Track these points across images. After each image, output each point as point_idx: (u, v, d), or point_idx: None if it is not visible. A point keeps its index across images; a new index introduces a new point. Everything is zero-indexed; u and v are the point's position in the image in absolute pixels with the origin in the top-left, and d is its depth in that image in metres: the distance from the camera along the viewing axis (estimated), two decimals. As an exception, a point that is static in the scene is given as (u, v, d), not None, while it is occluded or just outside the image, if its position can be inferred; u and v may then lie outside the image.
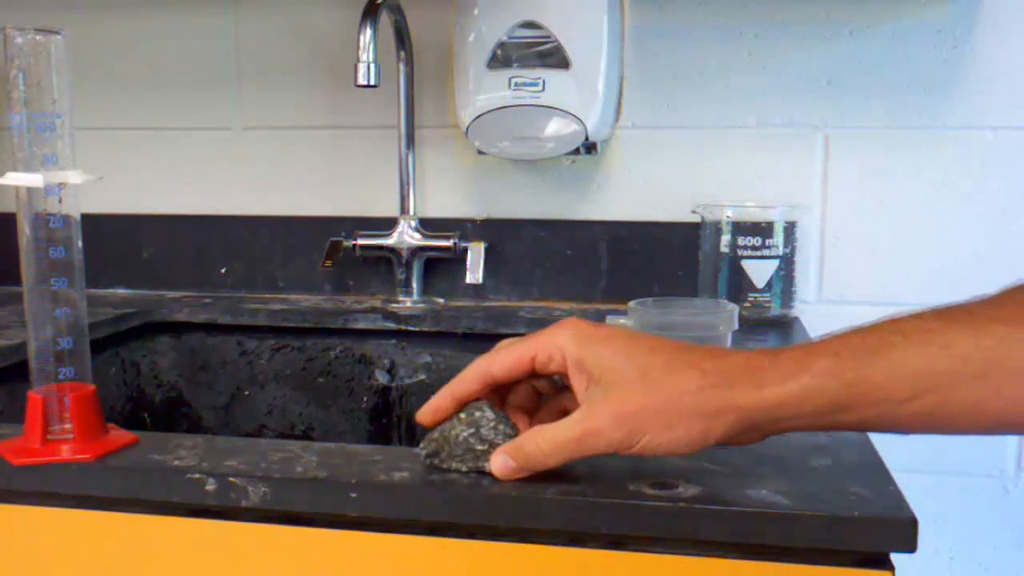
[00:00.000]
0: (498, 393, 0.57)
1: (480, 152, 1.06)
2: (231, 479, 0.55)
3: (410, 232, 1.08)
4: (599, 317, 0.98)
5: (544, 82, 1.01)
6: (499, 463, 0.53)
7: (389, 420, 1.06)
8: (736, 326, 0.65)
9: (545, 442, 0.51)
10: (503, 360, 0.54)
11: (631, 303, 0.66)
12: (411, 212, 1.09)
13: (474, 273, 1.05)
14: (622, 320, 0.65)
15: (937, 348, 0.47)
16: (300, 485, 0.55)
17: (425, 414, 0.56)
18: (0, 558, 0.60)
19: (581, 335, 0.52)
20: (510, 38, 1.01)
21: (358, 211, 1.14)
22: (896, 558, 0.51)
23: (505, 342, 0.56)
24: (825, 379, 0.47)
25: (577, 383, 0.52)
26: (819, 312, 1.05)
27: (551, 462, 0.52)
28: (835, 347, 0.49)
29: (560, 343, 0.52)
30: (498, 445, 0.55)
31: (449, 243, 1.08)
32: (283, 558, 0.56)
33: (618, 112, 1.07)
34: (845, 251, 1.05)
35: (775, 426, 0.50)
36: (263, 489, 0.55)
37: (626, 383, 0.50)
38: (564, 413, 0.54)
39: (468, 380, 0.55)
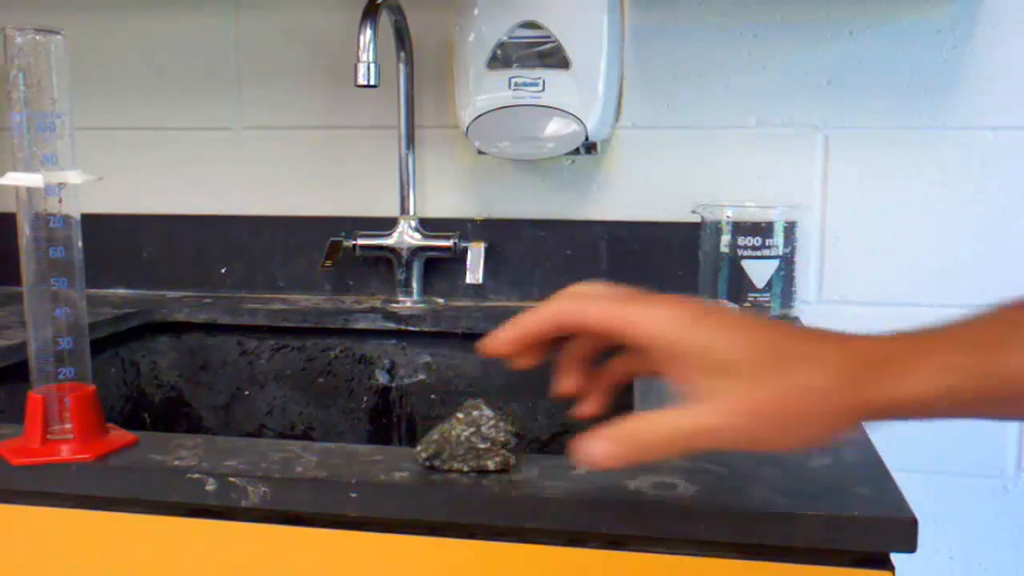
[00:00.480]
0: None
1: (480, 152, 1.06)
2: (231, 479, 0.55)
3: (410, 232, 1.08)
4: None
5: (544, 82, 1.01)
6: (599, 450, 0.46)
7: (389, 420, 1.06)
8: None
9: (653, 433, 0.47)
10: (587, 313, 0.49)
11: None
12: (411, 212, 1.09)
13: (474, 273, 1.05)
14: None
15: None
16: (300, 485, 0.55)
17: (488, 343, 0.51)
18: (0, 558, 0.60)
19: (684, 318, 0.47)
20: (510, 38, 1.01)
21: (358, 211, 1.14)
22: (896, 558, 0.51)
23: (583, 288, 0.51)
24: (963, 375, 0.44)
25: (678, 370, 0.47)
26: (819, 312, 1.05)
27: (656, 454, 0.47)
28: (962, 338, 0.46)
29: (657, 324, 0.47)
30: (500, 442, 0.55)
31: (449, 243, 1.08)
32: (283, 558, 0.56)
33: (618, 112, 1.07)
34: (845, 251, 1.05)
35: (902, 417, 0.46)
36: (263, 489, 0.55)
37: (743, 378, 0.45)
38: (629, 377, 0.52)
39: (542, 320, 0.50)
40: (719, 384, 0.46)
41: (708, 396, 0.46)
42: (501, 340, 0.51)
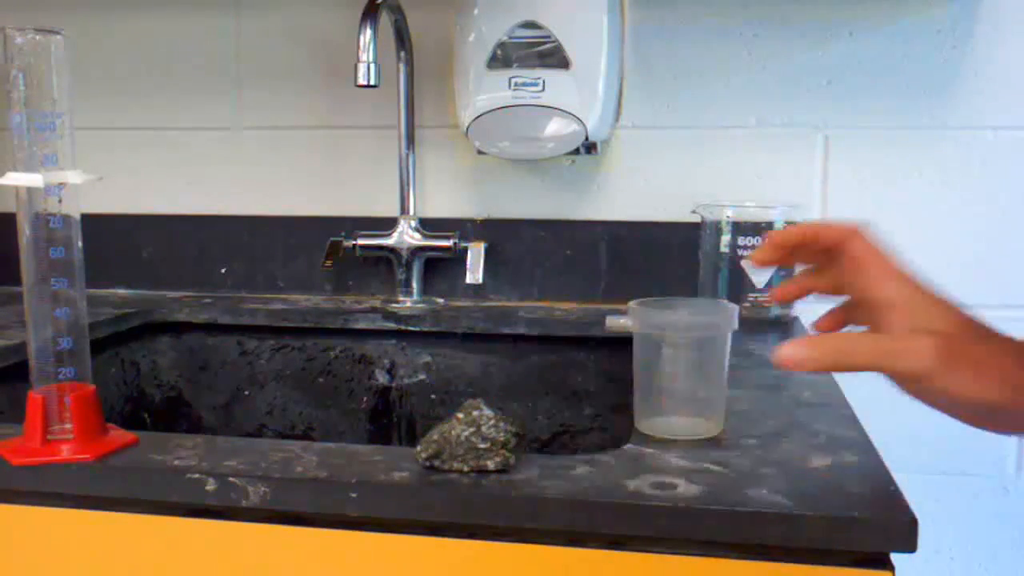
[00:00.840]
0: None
1: (480, 152, 1.06)
2: (231, 479, 0.55)
3: (410, 232, 1.08)
4: (599, 317, 0.98)
5: (544, 82, 1.01)
6: (800, 352, 0.52)
7: (389, 420, 1.06)
8: (736, 326, 0.65)
9: (864, 343, 0.52)
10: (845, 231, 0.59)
11: (631, 303, 0.66)
12: (411, 212, 1.09)
13: (474, 273, 1.05)
14: (622, 320, 0.65)
15: None
16: (300, 485, 0.55)
17: (758, 254, 0.60)
18: (0, 558, 0.60)
19: (910, 286, 0.56)
20: (510, 38, 1.01)
21: (358, 211, 1.14)
22: (896, 558, 0.51)
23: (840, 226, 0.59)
24: None
25: (900, 317, 0.55)
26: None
27: (863, 362, 0.52)
28: None
29: (897, 285, 0.56)
30: (500, 442, 0.55)
31: (449, 243, 1.08)
32: (283, 558, 0.56)
33: (618, 112, 1.08)
34: (845, 251, 1.05)
35: None
36: (263, 489, 0.55)
37: (949, 330, 0.54)
38: (834, 290, 0.60)
39: (795, 233, 0.60)
40: (932, 330, 0.53)
41: (920, 331, 0.53)
42: (761, 252, 0.60)
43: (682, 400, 0.63)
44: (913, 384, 0.53)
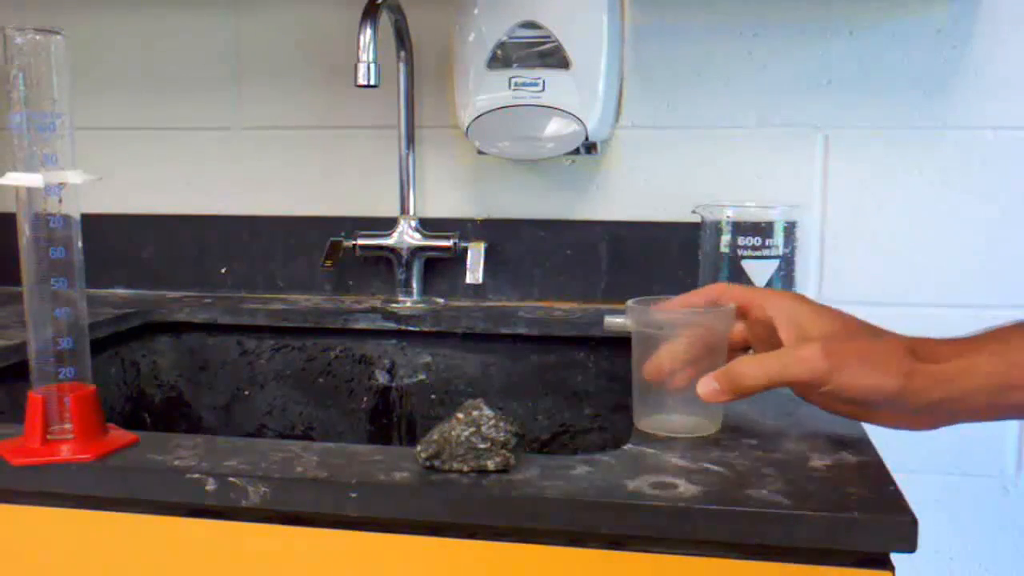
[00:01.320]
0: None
1: (480, 152, 1.06)
2: (231, 479, 0.55)
3: (410, 232, 1.08)
4: (599, 317, 0.98)
5: (544, 82, 1.01)
6: (705, 386, 0.59)
7: (389, 420, 1.06)
8: (733, 325, 0.65)
9: (751, 365, 0.58)
10: (734, 292, 0.65)
11: (629, 302, 0.66)
12: (411, 212, 1.09)
13: (474, 273, 1.05)
14: (620, 320, 0.66)
15: None
16: (300, 485, 0.55)
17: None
18: (0, 558, 0.60)
19: (799, 302, 0.62)
20: (510, 38, 1.01)
21: (358, 211, 1.14)
22: (896, 558, 0.51)
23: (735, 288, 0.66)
24: (995, 358, 0.54)
25: (787, 334, 0.60)
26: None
27: (754, 383, 0.57)
28: (998, 337, 0.56)
29: (779, 303, 0.62)
30: (500, 442, 0.55)
31: (449, 243, 1.08)
32: (283, 558, 0.56)
33: (618, 112, 1.07)
34: (845, 251, 1.05)
35: (948, 404, 0.55)
36: (263, 489, 0.55)
37: (833, 333, 0.58)
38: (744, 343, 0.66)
39: (701, 294, 0.66)
40: (816, 337, 0.58)
41: (806, 340, 0.58)
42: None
43: (680, 398, 0.64)
44: (813, 390, 0.57)
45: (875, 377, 0.55)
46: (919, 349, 0.56)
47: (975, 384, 0.54)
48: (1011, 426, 1.04)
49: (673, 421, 0.64)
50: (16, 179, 0.57)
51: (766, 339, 0.63)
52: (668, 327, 0.64)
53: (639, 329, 0.65)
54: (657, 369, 0.63)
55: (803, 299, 0.63)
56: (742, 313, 0.64)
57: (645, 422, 0.64)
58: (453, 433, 0.55)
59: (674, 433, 0.63)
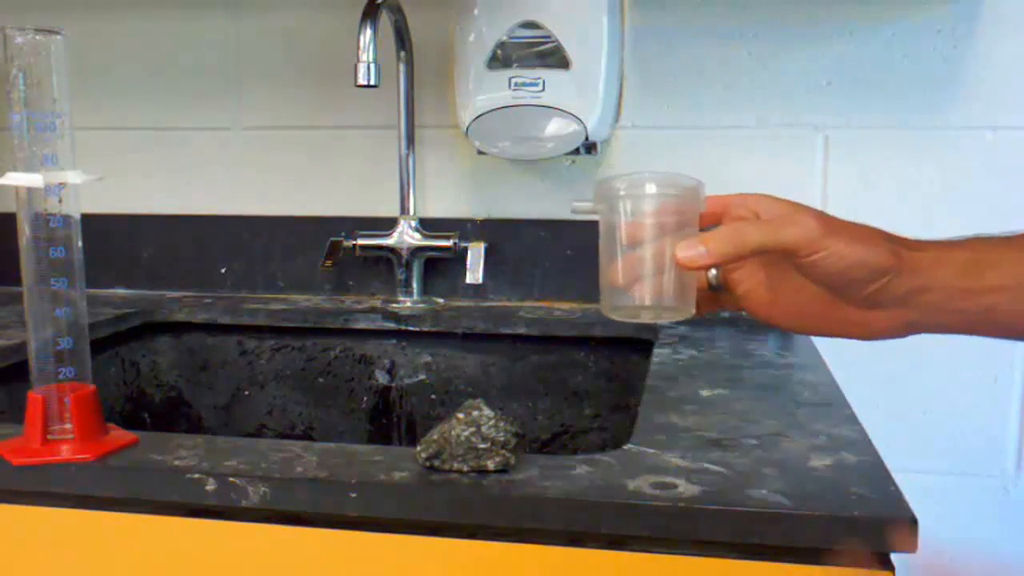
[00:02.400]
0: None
1: (480, 152, 1.06)
2: (231, 479, 0.55)
3: (410, 232, 1.08)
4: (599, 317, 0.98)
5: (544, 82, 1.01)
6: (689, 249, 0.54)
7: (389, 420, 1.06)
8: (704, 206, 0.61)
9: (745, 226, 0.55)
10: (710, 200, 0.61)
11: (596, 180, 0.62)
12: (411, 212, 1.09)
13: (474, 273, 1.05)
14: (588, 204, 0.63)
15: None
16: (300, 485, 0.55)
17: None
18: (0, 558, 0.60)
19: (779, 198, 0.60)
20: (510, 38, 1.01)
21: (358, 211, 1.14)
22: (896, 558, 0.51)
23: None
24: (968, 251, 0.56)
25: (778, 211, 0.58)
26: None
27: (745, 242, 0.55)
28: (971, 239, 0.58)
29: (760, 198, 0.60)
30: (500, 442, 0.55)
31: (449, 243, 1.08)
32: (283, 558, 0.56)
33: (618, 112, 1.07)
34: (845, 251, 1.05)
35: (923, 296, 0.56)
36: (263, 489, 0.55)
37: (820, 214, 0.57)
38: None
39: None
40: (803, 211, 0.57)
41: (801, 210, 0.57)
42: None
43: (650, 277, 0.58)
44: (802, 252, 0.55)
45: (865, 251, 0.55)
46: (898, 240, 0.57)
47: (951, 271, 0.55)
48: (1011, 426, 1.04)
49: (645, 307, 0.58)
50: (16, 179, 0.57)
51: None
52: (636, 198, 0.59)
53: (606, 203, 0.61)
54: (624, 275, 0.58)
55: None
56: (717, 219, 0.62)
57: (612, 306, 0.59)
58: (453, 433, 0.55)
59: (643, 314, 0.58)
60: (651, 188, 0.60)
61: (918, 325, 0.57)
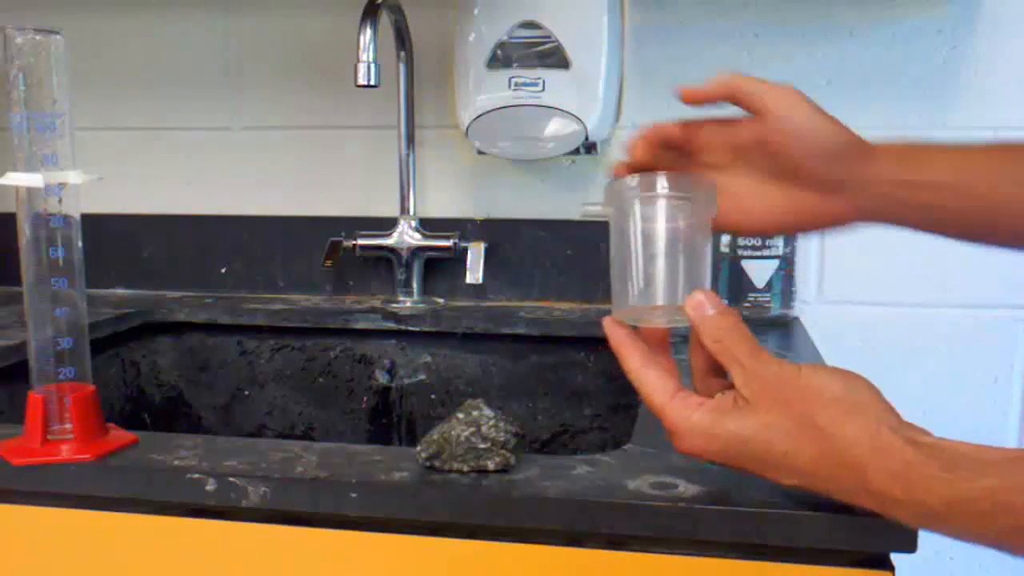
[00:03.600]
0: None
1: (480, 152, 1.06)
2: (231, 479, 0.55)
3: (410, 232, 1.08)
4: (599, 317, 0.98)
5: (544, 82, 1.01)
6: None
7: (389, 420, 1.06)
8: (716, 209, 0.60)
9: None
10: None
11: (606, 182, 0.62)
12: (411, 212, 1.09)
13: (474, 273, 1.05)
14: (596, 207, 0.63)
15: None
16: (300, 485, 0.55)
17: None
18: (0, 558, 0.60)
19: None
20: (510, 38, 1.01)
21: (358, 211, 1.14)
22: (896, 558, 0.51)
23: None
24: (903, 142, 0.63)
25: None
26: (819, 312, 1.05)
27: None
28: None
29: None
30: (500, 442, 0.55)
31: (449, 243, 1.08)
32: (283, 558, 0.56)
33: (618, 112, 1.07)
34: (845, 251, 1.05)
35: (867, 179, 0.63)
36: (263, 489, 0.55)
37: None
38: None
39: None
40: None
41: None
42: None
43: (662, 280, 0.56)
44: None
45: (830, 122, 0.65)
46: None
47: (892, 156, 0.62)
48: (1011, 426, 1.04)
49: (658, 312, 0.57)
50: (16, 179, 0.57)
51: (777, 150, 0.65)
52: (648, 202, 0.58)
53: (618, 206, 0.59)
54: (637, 279, 0.56)
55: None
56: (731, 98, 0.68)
57: (624, 311, 0.57)
58: (453, 433, 0.55)
59: (655, 319, 0.57)
60: (663, 190, 0.59)
61: (868, 212, 0.62)
